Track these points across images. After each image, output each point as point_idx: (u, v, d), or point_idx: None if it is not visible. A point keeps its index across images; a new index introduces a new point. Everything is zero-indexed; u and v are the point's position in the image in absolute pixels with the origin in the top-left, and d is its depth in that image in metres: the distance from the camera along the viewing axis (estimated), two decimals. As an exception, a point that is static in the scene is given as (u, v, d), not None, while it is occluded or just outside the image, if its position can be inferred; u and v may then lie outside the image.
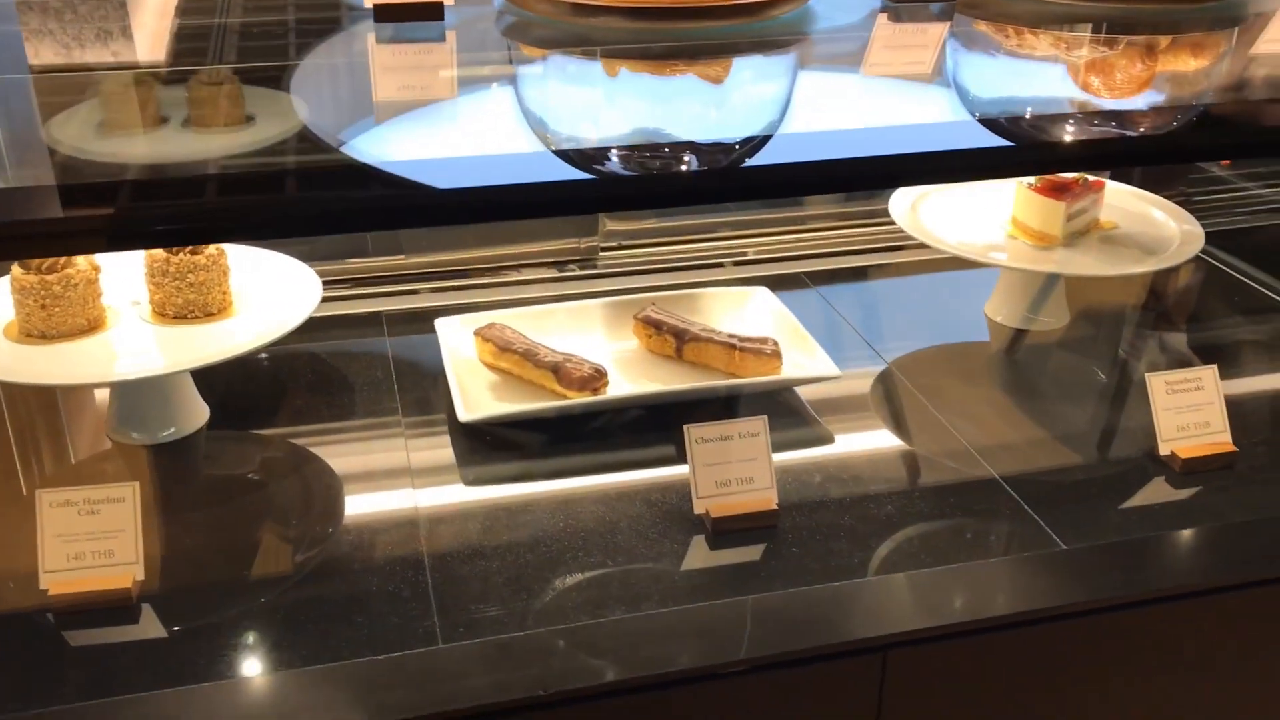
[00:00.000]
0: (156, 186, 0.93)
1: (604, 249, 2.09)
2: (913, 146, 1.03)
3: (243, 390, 1.60)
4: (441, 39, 1.34)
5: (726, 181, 0.98)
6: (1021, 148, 1.06)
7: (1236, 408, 1.48)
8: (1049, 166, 1.39)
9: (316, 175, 0.96)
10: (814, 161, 0.99)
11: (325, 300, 1.53)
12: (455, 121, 1.18)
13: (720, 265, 2.05)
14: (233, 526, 1.33)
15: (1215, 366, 1.45)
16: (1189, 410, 1.44)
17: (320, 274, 1.55)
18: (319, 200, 0.92)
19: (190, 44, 1.37)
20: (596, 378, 1.52)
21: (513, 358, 1.56)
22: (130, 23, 1.47)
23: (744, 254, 2.10)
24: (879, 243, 2.09)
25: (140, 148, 1.11)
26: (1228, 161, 2.28)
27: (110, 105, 1.22)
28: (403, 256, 1.99)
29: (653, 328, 1.65)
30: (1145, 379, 1.43)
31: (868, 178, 1.17)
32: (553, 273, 2.02)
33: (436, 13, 1.34)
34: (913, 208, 1.80)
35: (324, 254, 1.90)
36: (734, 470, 1.33)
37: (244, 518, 1.35)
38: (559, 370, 1.52)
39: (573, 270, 2.03)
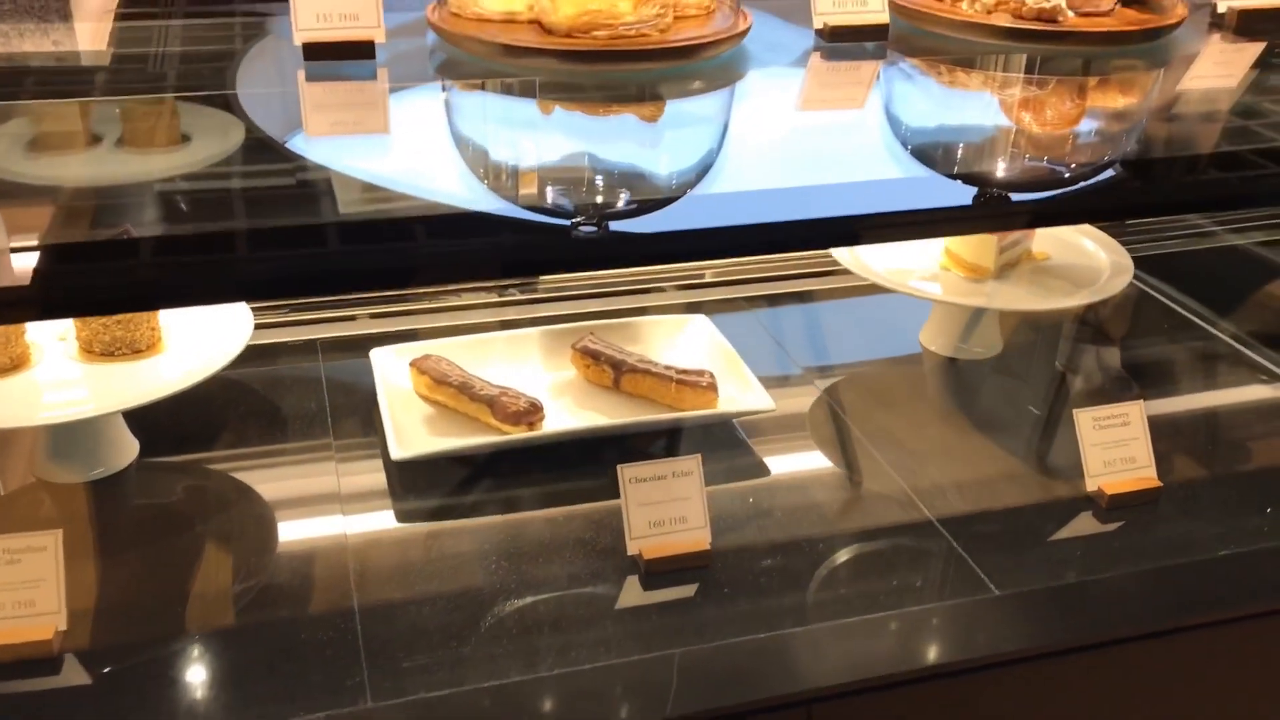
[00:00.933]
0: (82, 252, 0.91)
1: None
2: (847, 207, 1.03)
3: (173, 421, 1.58)
4: (373, 77, 1.33)
5: (669, 245, 0.98)
6: (955, 209, 1.07)
7: (1164, 437, 1.50)
8: (984, 225, 1.40)
9: (263, 236, 0.94)
10: (750, 225, 1.00)
11: (258, 327, 1.52)
12: (384, 164, 1.18)
13: (661, 290, 2.06)
14: (162, 569, 1.31)
15: (1141, 402, 1.47)
16: (1115, 446, 1.46)
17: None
18: (263, 264, 0.91)
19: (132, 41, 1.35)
20: (532, 412, 1.52)
21: (448, 391, 1.56)
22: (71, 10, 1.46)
23: (684, 277, 2.11)
24: (818, 267, 2.10)
25: (72, 170, 1.09)
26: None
27: (41, 123, 1.20)
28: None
29: (590, 358, 1.65)
30: (1073, 415, 1.45)
31: (802, 239, 1.18)
32: (493, 297, 2.02)
33: (368, 51, 1.32)
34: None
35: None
36: (668, 510, 1.33)
37: (173, 560, 1.33)
38: (494, 404, 1.52)
39: (513, 294, 2.03)
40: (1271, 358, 1.83)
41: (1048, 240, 1.84)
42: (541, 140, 1.25)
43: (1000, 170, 1.23)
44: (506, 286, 2.06)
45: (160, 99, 1.28)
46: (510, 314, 1.95)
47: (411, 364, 1.61)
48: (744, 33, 1.40)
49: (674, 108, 1.33)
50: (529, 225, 0.98)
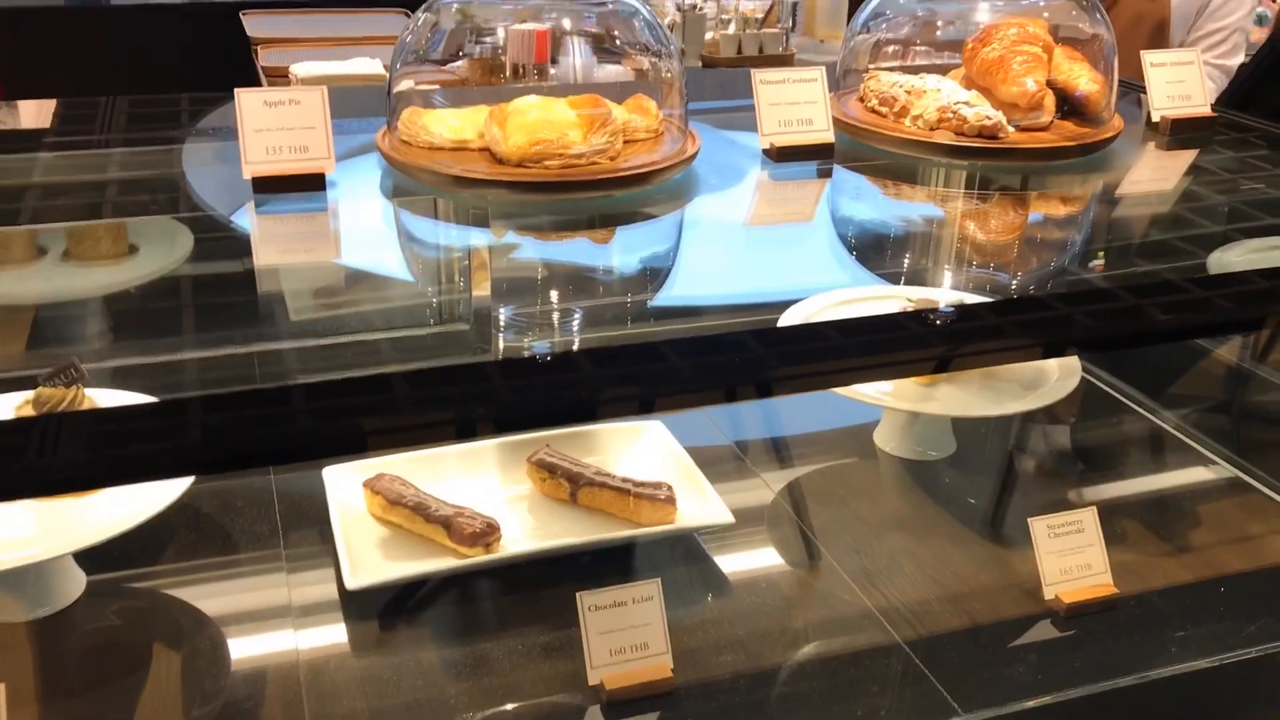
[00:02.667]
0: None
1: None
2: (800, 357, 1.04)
3: (120, 546, 1.55)
4: (324, 209, 1.33)
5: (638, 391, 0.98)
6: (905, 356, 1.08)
7: (1117, 537, 1.52)
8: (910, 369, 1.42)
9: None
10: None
11: None
12: (335, 304, 1.17)
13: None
14: (113, 706, 1.28)
15: (1094, 509, 1.49)
16: (1071, 553, 1.47)
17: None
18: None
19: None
20: (489, 533, 1.50)
21: (403, 512, 1.54)
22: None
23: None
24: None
25: (15, 285, 1.08)
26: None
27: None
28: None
29: (546, 471, 1.64)
30: (1029, 524, 1.46)
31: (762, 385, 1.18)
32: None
33: (318, 183, 1.33)
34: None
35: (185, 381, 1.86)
36: (629, 637, 1.32)
37: (124, 695, 1.30)
38: (450, 526, 1.50)
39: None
40: (1214, 448, 1.86)
41: (995, 339, 1.86)
42: (501, 279, 1.26)
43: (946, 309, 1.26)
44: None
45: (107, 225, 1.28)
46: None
47: (365, 484, 1.59)
48: (692, 157, 1.42)
49: (627, 237, 1.34)
50: (487, 379, 0.98)
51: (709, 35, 3.45)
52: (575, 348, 1.07)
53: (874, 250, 1.38)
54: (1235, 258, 1.57)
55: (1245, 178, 1.61)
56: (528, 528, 1.58)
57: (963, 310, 1.21)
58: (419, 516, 1.53)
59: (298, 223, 1.32)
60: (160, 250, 1.20)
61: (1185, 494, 1.80)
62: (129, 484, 1.07)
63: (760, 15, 3.46)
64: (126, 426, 0.88)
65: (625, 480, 1.61)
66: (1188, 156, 1.62)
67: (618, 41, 1.46)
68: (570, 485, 1.61)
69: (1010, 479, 1.82)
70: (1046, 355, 1.49)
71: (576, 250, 1.31)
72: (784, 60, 3.52)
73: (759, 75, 1.48)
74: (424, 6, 1.46)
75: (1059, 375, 1.78)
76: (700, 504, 1.61)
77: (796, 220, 1.41)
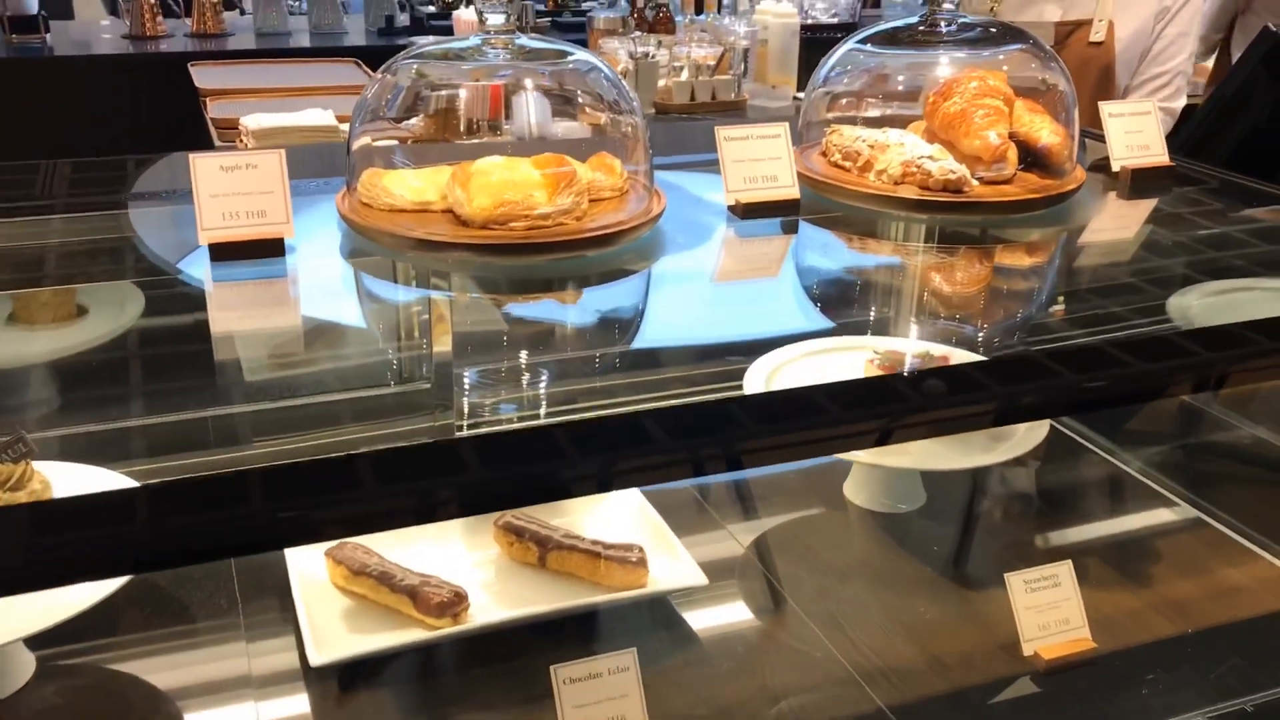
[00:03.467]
0: None
1: (458, 427, 2.03)
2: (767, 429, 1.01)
3: (71, 624, 1.49)
4: (284, 274, 1.29)
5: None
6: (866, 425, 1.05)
7: (1093, 589, 1.50)
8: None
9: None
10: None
11: None
12: (295, 372, 1.14)
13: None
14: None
15: (1069, 562, 1.47)
16: (1048, 608, 1.45)
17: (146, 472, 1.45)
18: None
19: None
20: (456, 603, 1.46)
21: (367, 582, 1.49)
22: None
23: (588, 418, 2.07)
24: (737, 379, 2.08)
25: None
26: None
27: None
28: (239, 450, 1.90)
29: (514, 535, 1.60)
30: (1005, 579, 1.44)
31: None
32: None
33: (276, 249, 1.29)
34: (767, 383, 1.81)
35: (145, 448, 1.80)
36: (605, 710, 1.28)
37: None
38: (416, 596, 1.46)
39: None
40: (1178, 490, 1.85)
41: (961, 388, 1.85)
42: (465, 343, 1.22)
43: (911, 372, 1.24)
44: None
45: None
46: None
47: (327, 553, 1.55)
48: (658, 216, 1.40)
49: (594, 298, 1.32)
50: (458, 460, 0.94)
51: (661, 83, 3.45)
52: (545, 418, 1.04)
53: (843, 304, 1.36)
54: (1193, 301, 1.57)
55: (1205, 225, 1.61)
56: (496, 594, 1.53)
57: (950, 372, 1.20)
58: (384, 586, 1.48)
59: (256, 289, 1.28)
60: (111, 316, 1.16)
61: (1153, 539, 1.80)
62: (66, 585, 1.03)
63: (712, 62, 3.46)
64: (65, 525, 0.83)
65: (595, 543, 1.57)
66: (1149, 206, 1.63)
67: (579, 99, 1.44)
68: (539, 549, 1.57)
69: (981, 530, 1.80)
70: (1041, 416, 1.48)
71: (543, 312, 1.28)
72: (736, 106, 3.52)
73: (722, 132, 1.47)
74: (383, 66, 1.44)
75: (1027, 425, 1.77)
76: (672, 565, 1.58)
77: (764, 276, 1.39)
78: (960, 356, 1.94)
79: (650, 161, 1.45)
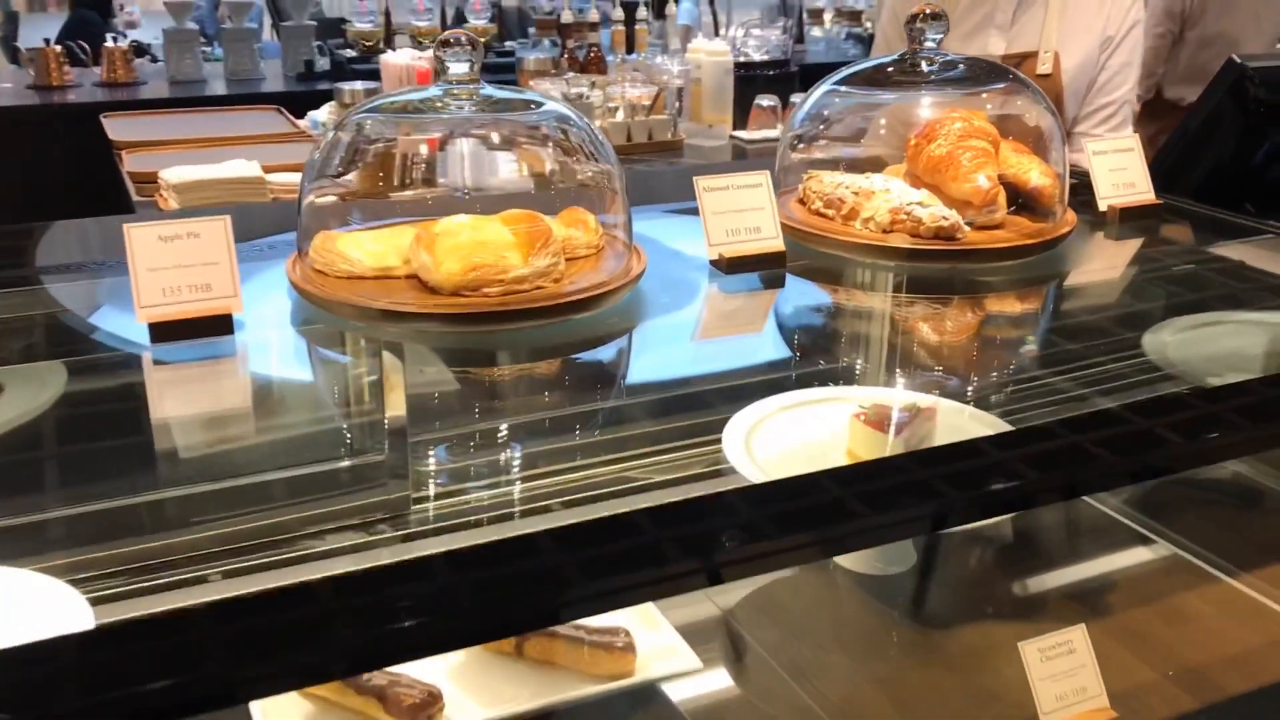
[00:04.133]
0: None
1: (416, 500, 1.89)
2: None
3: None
4: (233, 354, 1.16)
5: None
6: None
7: (1105, 651, 1.42)
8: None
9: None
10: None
11: (94, 601, 1.28)
12: (249, 466, 1.01)
13: (548, 509, 1.89)
14: None
15: (1082, 626, 1.39)
16: (1065, 676, 1.36)
17: (88, 564, 1.30)
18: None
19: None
20: (430, 703, 1.33)
21: (330, 683, 1.35)
22: None
23: (568, 491, 1.95)
24: (709, 471, 1.97)
25: None
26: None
27: None
28: (178, 535, 1.74)
29: (483, 622, 1.47)
30: (1019, 649, 1.35)
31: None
32: (361, 536, 1.81)
33: (224, 326, 1.16)
34: (746, 440, 1.70)
35: (90, 539, 1.64)
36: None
37: None
38: (385, 697, 1.32)
39: (383, 531, 1.83)
40: (1180, 542, 1.79)
41: (948, 434, 1.76)
42: (438, 423, 1.10)
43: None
44: (373, 522, 1.87)
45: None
46: (387, 560, 1.75)
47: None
48: (640, 275, 1.29)
49: (576, 366, 1.20)
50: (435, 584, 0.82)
51: (596, 124, 3.35)
52: (522, 504, 0.92)
53: (841, 359, 1.27)
54: (1168, 337, 1.51)
55: (1195, 263, 1.55)
56: (472, 690, 1.40)
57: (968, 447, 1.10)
58: (349, 688, 1.34)
59: (203, 372, 1.14)
60: (30, 398, 1.02)
61: (1148, 588, 1.72)
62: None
63: (648, 102, 3.37)
64: None
65: (577, 628, 1.45)
66: (1141, 247, 1.56)
67: (551, 151, 1.33)
68: (516, 637, 1.45)
69: (976, 590, 1.71)
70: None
71: (523, 384, 1.17)
72: (674, 146, 3.44)
73: (702, 182, 1.37)
74: (335, 124, 1.31)
75: (1018, 477, 1.69)
76: (661, 647, 1.46)
77: (754, 333, 1.29)
78: (948, 408, 1.86)
79: (629, 215, 1.34)
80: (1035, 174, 1.48)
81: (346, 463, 1.03)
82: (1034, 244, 1.43)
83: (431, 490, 1.20)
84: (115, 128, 3.20)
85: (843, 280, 1.42)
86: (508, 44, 4.74)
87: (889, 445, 1.63)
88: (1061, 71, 2.44)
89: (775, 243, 1.39)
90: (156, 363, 1.13)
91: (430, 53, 3.25)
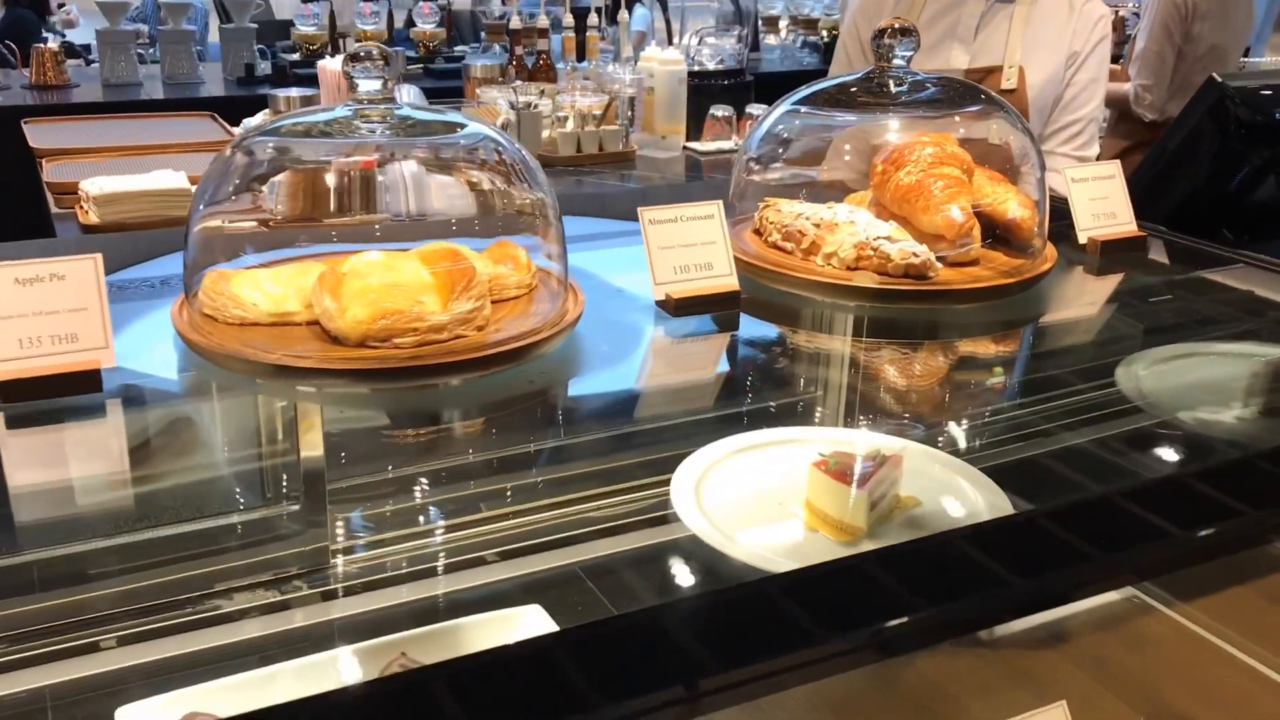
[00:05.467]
0: None
1: (335, 552, 1.72)
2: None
3: None
4: (99, 418, 0.99)
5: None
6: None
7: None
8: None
9: None
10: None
11: None
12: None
13: (482, 562, 1.72)
14: None
15: (1063, 704, 1.24)
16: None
17: None
18: None
19: None
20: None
21: None
22: None
23: (502, 540, 1.78)
24: (662, 510, 1.81)
25: None
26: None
27: None
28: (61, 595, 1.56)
29: (407, 696, 1.30)
30: (995, 732, 1.20)
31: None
32: (273, 595, 1.63)
33: (91, 383, 0.98)
34: (696, 489, 1.54)
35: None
36: None
37: None
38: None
39: (298, 588, 1.65)
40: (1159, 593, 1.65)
41: (916, 480, 1.61)
42: (346, 508, 0.94)
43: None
44: (287, 579, 1.69)
45: None
46: (298, 619, 1.57)
47: (175, 737, 1.23)
48: (575, 321, 1.13)
49: (497, 430, 1.04)
50: None
51: (545, 134, 3.19)
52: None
53: (794, 409, 1.12)
54: (1141, 370, 1.37)
55: (1180, 298, 1.41)
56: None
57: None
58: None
59: (58, 439, 0.97)
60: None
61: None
62: None
63: (599, 111, 3.21)
64: None
65: (507, 703, 1.28)
66: (1123, 283, 1.42)
67: (475, 178, 1.16)
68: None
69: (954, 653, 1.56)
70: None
71: (439, 447, 1.01)
72: (625, 157, 3.29)
73: (647, 214, 1.21)
74: (231, 143, 1.13)
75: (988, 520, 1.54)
76: None
77: (701, 382, 1.13)
78: (918, 453, 1.71)
79: (564, 248, 1.18)
80: (1013, 205, 1.33)
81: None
82: (1012, 283, 1.28)
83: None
84: (37, 134, 2.99)
85: (803, 322, 1.27)
86: (458, 49, 4.56)
87: (852, 498, 1.48)
88: (1027, 87, 2.31)
89: (728, 281, 1.23)
90: (9, 424, 0.95)
91: (371, 59, 3.07)
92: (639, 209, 1.21)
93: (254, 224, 1.10)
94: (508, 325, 1.09)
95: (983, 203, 1.33)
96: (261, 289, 1.07)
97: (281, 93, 2.86)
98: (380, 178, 1.11)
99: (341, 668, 1.37)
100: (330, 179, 1.10)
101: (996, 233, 1.36)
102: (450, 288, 1.06)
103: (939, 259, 1.29)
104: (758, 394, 1.13)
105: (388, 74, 1.06)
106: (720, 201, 1.25)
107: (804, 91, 1.39)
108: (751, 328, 1.24)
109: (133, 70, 3.98)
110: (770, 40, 5.69)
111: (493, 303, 1.14)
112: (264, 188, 1.09)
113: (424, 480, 0.97)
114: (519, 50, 3.59)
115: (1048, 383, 1.21)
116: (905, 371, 1.24)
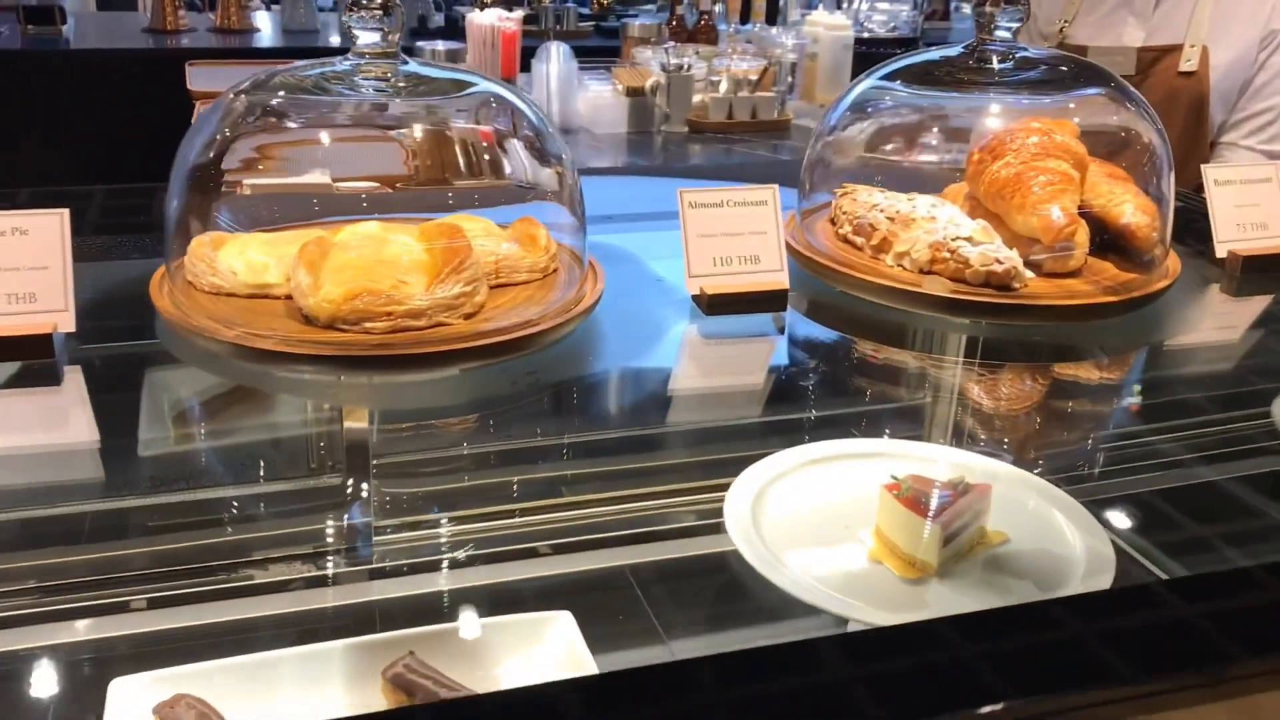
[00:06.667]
0: None
1: (379, 529, 1.63)
2: None
3: None
4: (57, 381, 0.91)
5: None
6: None
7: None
8: None
9: None
10: None
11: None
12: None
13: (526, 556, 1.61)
14: None
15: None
16: None
17: None
18: None
19: None
20: None
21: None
22: None
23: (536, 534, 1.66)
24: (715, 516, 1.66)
25: None
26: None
27: None
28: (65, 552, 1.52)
29: (404, 694, 1.20)
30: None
31: None
32: (310, 569, 1.56)
33: (44, 349, 0.91)
34: (753, 509, 1.38)
35: None
36: None
37: None
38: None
39: (334, 564, 1.57)
40: None
41: (1006, 510, 1.41)
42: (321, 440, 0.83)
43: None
44: (324, 553, 1.61)
45: None
46: (307, 600, 1.49)
47: (155, 710, 1.16)
48: (589, 309, 0.99)
49: (477, 437, 0.91)
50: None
51: (696, 98, 3.04)
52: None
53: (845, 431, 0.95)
54: None
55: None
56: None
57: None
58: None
59: (15, 404, 0.89)
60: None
61: None
62: None
63: (754, 77, 3.03)
64: None
65: (508, 717, 1.17)
66: (1267, 305, 1.18)
67: (480, 144, 1.03)
68: None
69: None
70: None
71: (401, 444, 0.89)
72: (778, 126, 3.10)
73: (688, 196, 1.05)
74: (223, 98, 1.03)
75: (1086, 569, 1.33)
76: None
77: (717, 396, 0.98)
78: (1012, 478, 1.51)
79: (583, 224, 1.04)
80: (1129, 207, 1.11)
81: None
82: (1115, 301, 1.07)
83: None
84: (198, 77, 3.02)
85: (858, 330, 1.09)
86: (632, 9, 4.43)
87: (926, 531, 1.30)
88: (1209, 69, 2.01)
89: (776, 278, 1.06)
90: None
91: (519, 13, 2.97)
92: (679, 190, 1.05)
93: (240, 189, 1.00)
94: (504, 315, 0.96)
95: (1094, 203, 1.12)
96: (245, 257, 0.98)
97: (426, 44, 2.80)
98: (375, 142, 0.99)
99: (345, 656, 1.27)
100: (324, 138, 0.99)
101: (1108, 240, 1.14)
102: (438, 268, 0.93)
103: (1034, 266, 1.09)
104: (782, 409, 0.97)
105: (387, 25, 0.94)
106: (775, 188, 1.08)
107: (893, 65, 1.20)
108: (796, 332, 1.08)
109: (311, 18, 4.01)
110: (966, 8, 5.33)
111: (503, 286, 1.01)
112: (256, 146, 0.99)
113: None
114: (679, 9, 3.43)
115: (1158, 411, 1.01)
116: (990, 390, 1.06)
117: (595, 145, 2.75)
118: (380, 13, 0.94)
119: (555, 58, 2.87)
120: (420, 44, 2.83)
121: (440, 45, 2.80)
